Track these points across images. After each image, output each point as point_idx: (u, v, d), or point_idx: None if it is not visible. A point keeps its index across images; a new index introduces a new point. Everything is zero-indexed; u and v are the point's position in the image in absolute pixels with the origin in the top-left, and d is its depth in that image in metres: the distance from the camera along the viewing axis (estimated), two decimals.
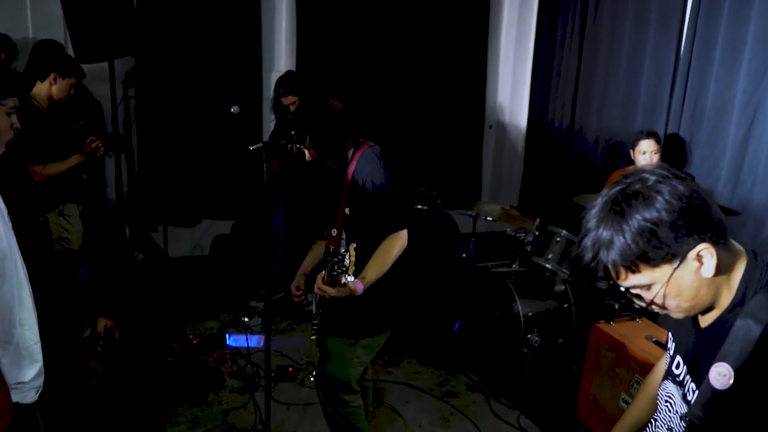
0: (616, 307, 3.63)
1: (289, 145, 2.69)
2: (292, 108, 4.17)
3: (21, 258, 1.81)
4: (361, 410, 2.81)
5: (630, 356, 3.06)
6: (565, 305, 3.99)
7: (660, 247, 1.18)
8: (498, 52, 6.39)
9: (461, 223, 5.21)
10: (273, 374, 3.80)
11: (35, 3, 4.60)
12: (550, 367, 3.91)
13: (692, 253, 1.20)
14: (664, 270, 1.21)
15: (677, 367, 1.44)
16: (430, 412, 3.62)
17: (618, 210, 1.20)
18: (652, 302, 1.27)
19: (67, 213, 3.59)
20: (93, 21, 4.01)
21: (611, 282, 1.27)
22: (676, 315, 1.32)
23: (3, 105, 1.84)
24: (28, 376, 1.82)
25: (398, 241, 2.54)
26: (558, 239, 3.88)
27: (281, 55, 5.48)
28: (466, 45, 6.11)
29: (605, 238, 1.21)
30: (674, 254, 1.19)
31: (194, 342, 4.08)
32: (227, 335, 4.19)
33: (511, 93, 6.45)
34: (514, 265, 4.28)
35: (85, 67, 3.88)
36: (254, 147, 2.59)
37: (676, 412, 1.44)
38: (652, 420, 1.57)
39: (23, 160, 3.36)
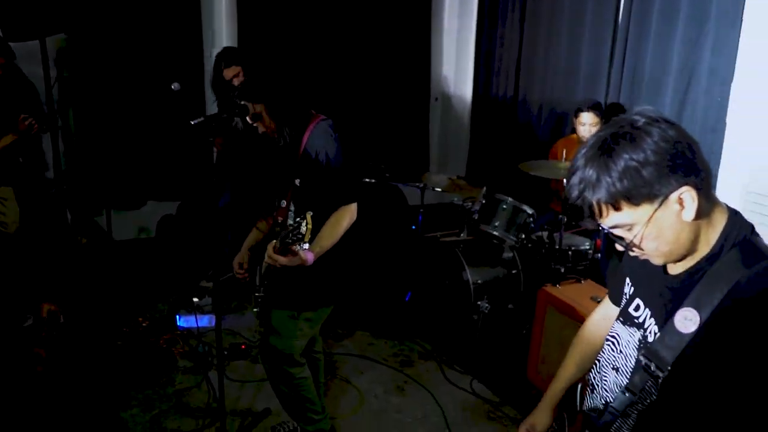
0: (562, 270, 3.74)
1: (234, 120, 2.64)
2: (235, 81, 4.07)
3: None
4: (309, 381, 2.81)
5: (576, 317, 3.14)
6: (513, 271, 4.08)
7: (642, 186, 1.21)
8: (442, 25, 6.41)
9: (410, 195, 5.24)
10: (226, 353, 3.78)
11: None
12: (500, 332, 4.00)
13: (674, 195, 1.22)
14: (645, 210, 1.24)
15: (636, 309, 1.48)
16: (384, 381, 3.66)
17: (606, 149, 1.23)
18: (632, 243, 1.30)
19: (2, 196, 3.47)
20: None
21: (595, 220, 1.30)
22: (655, 260, 1.36)
23: None
24: None
25: (348, 214, 2.55)
26: (504, 206, 3.95)
27: (222, 31, 5.37)
28: (410, 18, 6.10)
29: (592, 176, 1.23)
30: (655, 194, 1.22)
31: (144, 324, 4.02)
32: (177, 317, 4.13)
33: (456, 65, 6.49)
34: (462, 234, 4.34)
35: (15, 47, 3.73)
36: (195, 121, 2.52)
37: (620, 351, 1.49)
38: (597, 361, 1.61)
39: None
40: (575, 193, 1.27)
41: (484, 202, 4.04)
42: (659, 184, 1.21)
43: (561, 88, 5.11)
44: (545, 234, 4.09)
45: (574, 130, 4.48)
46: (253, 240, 2.91)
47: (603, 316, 1.76)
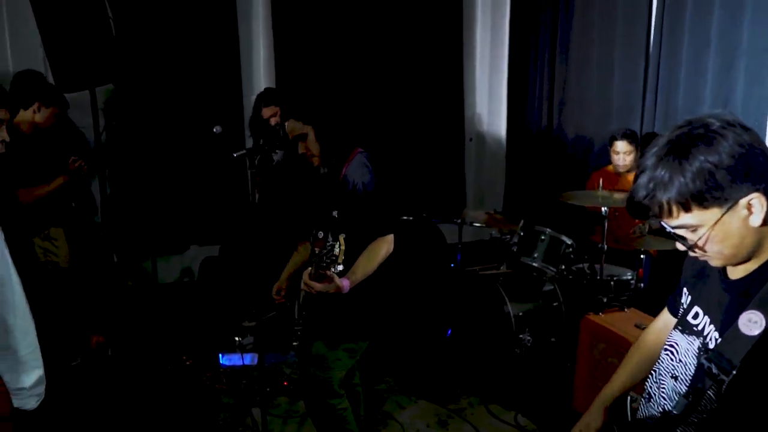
0: (605, 300, 3.68)
1: (273, 159, 2.72)
2: (273, 120, 4.19)
3: (14, 268, 1.82)
4: (349, 412, 2.79)
5: (621, 344, 3.09)
6: (555, 304, 4.03)
7: (715, 189, 1.21)
8: (474, 66, 6.51)
9: (448, 234, 5.25)
10: (268, 389, 3.79)
11: (14, 35, 4.64)
12: (543, 365, 3.93)
13: (743, 201, 1.23)
14: (714, 213, 1.24)
15: (695, 317, 1.47)
16: (427, 416, 3.62)
17: (681, 149, 1.23)
18: (695, 245, 1.30)
19: (53, 237, 3.61)
20: (72, 49, 4.05)
21: (659, 220, 1.30)
22: (715, 262, 1.35)
23: None
24: (28, 382, 1.83)
25: (385, 245, 2.58)
26: (543, 237, 3.94)
27: (260, 78, 5.56)
28: (442, 60, 6.21)
29: (664, 176, 1.24)
30: (726, 198, 1.22)
31: (187, 363, 4.06)
32: (220, 355, 4.17)
33: (489, 104, 6.57)
34: (501, 267, 4.32)
35: (67, 98, 3.92)
36: (238, 154, 2.62)
37: (680, 360, 1.48)
38: (654, 371, 1.59)
39: (10, 184, 3.38)
40: (643, 192, 1.27)
41: (522, 234, 4.04)
42: (731, 189, 1.22)
43: (595, 120, 5.13)
44: (586, 265, 4.05)
45: (610, 162, 4.47)
46: (291, 268, 2.95)
47: (662, 326, 1.75)
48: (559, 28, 5.50)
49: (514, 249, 4.05)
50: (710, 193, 1.22)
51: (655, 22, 4.54)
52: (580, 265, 4.11)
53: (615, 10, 4.87)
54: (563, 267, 3.96)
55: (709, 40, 4.06)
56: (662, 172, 1.24)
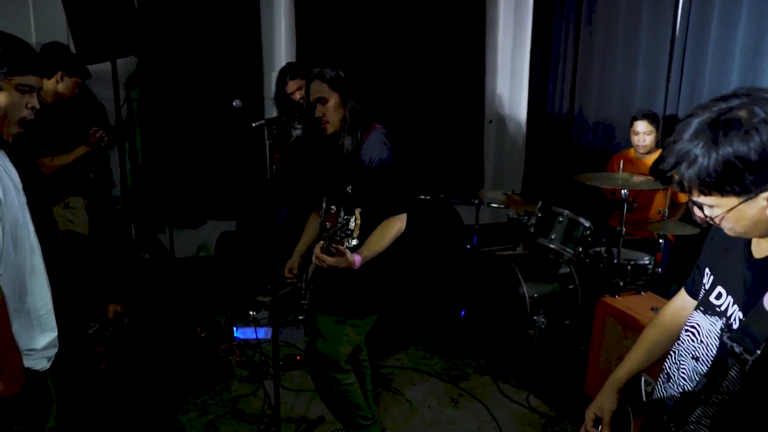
0: (621, 284, 3.65)
1: (294, 128, 2.72)
2: (297, 95, 4.16)
3: (33, 229, 1.83)
4: (355, 387, 2.81)
5: (637, 328, 3.07)
6: (571, 286, 4.01)
7: (735, 183, 1.21)
8: (496, 46, 6.44)
9: (464, 215, 5.24)
10: (281, 363, 3.82)
11: (38, 7, 4.67)
12: (557, 347, 3.92)
13: (764, 194, 1.22)
14: (731, 200, 1.25)
15: (717, 297, 1.46)
16: (438, 394, 3.62)
17: (714, 132, 1.21)
18: (710, 217, 1.32)
19: (72, 206, 3.64)
20: (95, 21, 4.08)
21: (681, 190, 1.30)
22: (730, 233, 1.36)
23: (9, 80, 1.72)
24: (40, 344, 1.83)
25: (397, 223, 2.58)
26: (561, 219, 3.90)
27: (281, 54, 5.55)
28: (464, 39, 6.14)
29: (690, 154, 1.23)
30: (747, 191, 1.22)
31: (202, 335, 4.10)
32: (235, 328, 4.21)
33: (510, 85, 6.50)
34: (518, 249, 4.30)
35: (89, 70, 3.95)
36: (257, 123, 2.62)
37: (701, 341, 1.47)
38: (673, 352, 1.58)
39: (32, 153, 3.41)
40: (671, 161, 1.26)
41: (539, 215, 4.00)
42: (752, 184, 1.21)
43: (617, 103, 5.06)
44: (603, 249, 4.02)
45: (631, 146, 4.42)
46: (304, 246, 2.96)
47: (679, 307, 1.73)
48: (583, 7, 5.41)
49: (531, 230, 4.02)
50: (730, 185, 1.22)
51: (683, 3, 4.44)
52: (597, 249, 4.08)
53: None
54: (580, 249, 3.93)
55: (738, 21, 3.96)
56: (691, 150, 1.23)
